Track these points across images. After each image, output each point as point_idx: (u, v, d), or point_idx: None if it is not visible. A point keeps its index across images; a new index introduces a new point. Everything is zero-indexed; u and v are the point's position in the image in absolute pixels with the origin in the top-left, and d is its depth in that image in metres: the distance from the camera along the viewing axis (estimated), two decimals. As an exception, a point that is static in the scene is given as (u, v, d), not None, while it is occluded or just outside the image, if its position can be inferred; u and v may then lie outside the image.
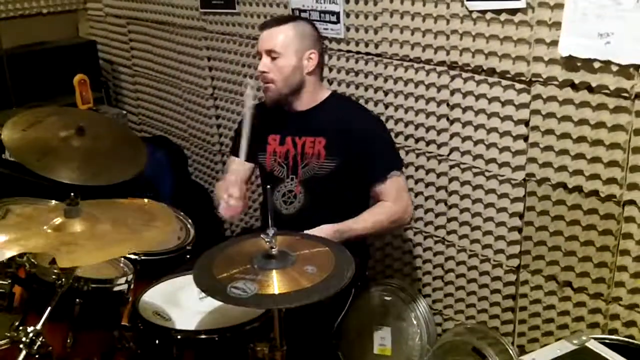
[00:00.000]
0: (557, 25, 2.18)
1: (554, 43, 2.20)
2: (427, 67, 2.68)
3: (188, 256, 2.72)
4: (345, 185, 2.59)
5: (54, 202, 2.65)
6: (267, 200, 2.60)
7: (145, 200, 2.21)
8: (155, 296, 2.28)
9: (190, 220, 2.87)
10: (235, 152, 2.76)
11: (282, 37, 2.53)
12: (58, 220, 1.79)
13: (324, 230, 2.43)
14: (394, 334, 2.97)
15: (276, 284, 1.77)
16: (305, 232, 2.41)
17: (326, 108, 2.65)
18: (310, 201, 2.61)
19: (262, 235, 1.83)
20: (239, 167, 2.74)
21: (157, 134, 4.57)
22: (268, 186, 1.83)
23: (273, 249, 1.83)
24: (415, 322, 2.95)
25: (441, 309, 2.97)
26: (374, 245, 3.14)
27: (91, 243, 1.72)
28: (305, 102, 2.64)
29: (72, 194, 1.79)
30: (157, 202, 2.15)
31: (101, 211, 1.89)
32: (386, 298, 3.02)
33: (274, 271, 1.81)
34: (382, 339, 2.98)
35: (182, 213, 2.93)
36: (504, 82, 2.41)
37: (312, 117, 2.64)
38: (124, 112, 4.49)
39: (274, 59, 2.53)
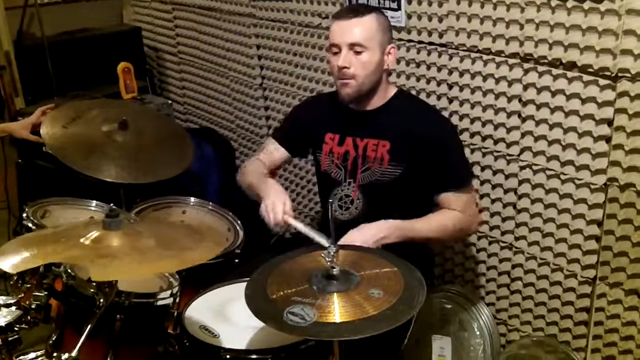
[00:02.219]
0: (650, 14, 1.96)
1: (647, 35, 1.97)
2: (497, 59, 2.45)
3: (237, 260, 2.57)
4: (408, 193, 2.39)
5: (94, 202, 2.51)
6: (327, 211, 2.45)
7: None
8: (202, 308, 2.11)
9: (239, 222, 2.70)
10: (276, 136, 2.68)
11: (367, 29, 2.30)
12: (96, 233, 1.62)
13: (381, 226, 2.25)
14: (455, 344, 2.80)
15: (337, 310, 1.57)
16: (361, 226, 2.24)
17: (392, 108, 2.43)
18: (369, 208, 2.42)
19: (322, 254, 1.64)
20: (274, 151, 2.64)
21: (203, 124, 4.41)
22: (330, 200, 1.63)
23: (334, 269, 1.64)
24: (478, 333, 2.77)
25: (506, 318, 2.77)
26: (434, 249, 2.95)
27: (130, 257, 1.54)
28: (375, 101, 2.43)
29: (111, 204, 1.61)
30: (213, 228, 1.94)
31: (146, 227, 1.71)
32: (447, 305, 2.84)
33: (335, 295, 1.61)
34: (441, 349, 2.80)
35: (230, 213, 2.76)
36: (586, 77, 2.18)
37: (376, 117, 2.43)
38: (169, 101, 4.33)
39: (357, 53, 2.31)
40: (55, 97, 3.88)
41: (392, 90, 2.47)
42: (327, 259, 1.63)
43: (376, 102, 2.43)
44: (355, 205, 2.45)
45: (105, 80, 4.13)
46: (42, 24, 4.10)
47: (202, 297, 2.18)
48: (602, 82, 2.14)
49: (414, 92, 2.81)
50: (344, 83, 2.34)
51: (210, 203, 2.81)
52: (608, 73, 2.11)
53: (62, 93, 4.00)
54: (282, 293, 1.64)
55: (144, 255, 1.54)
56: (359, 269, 1.71)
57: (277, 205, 2.25)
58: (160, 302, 1.96)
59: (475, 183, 2.53)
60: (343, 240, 2.19)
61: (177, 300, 2.01)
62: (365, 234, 2.21)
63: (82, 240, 1.57)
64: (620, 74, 2.08)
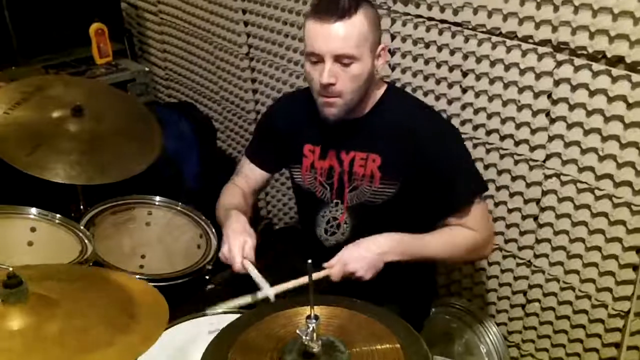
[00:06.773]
0: None
1: None
2: (524, 45, 2.03)
3: (207, 277, 2.20)
4: (405, 216, 2.02)
5: (35, 210, 2.13)
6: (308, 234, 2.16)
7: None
8: (160, 353, 1.73)
9: (213, 230, 2.32)
10: (248, 153, 2.27)
11: (356, 35, 1.84)
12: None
13: (381, 242, 1.89)
14: (459, 369, 2.45)
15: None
16: (358, 241, 1.89)
17: (382, 113, 2.02)
18: (358, 234, 2.01)
19: (298, 332, 1.24)
20: (249, 173, 2.25)
21: (186, 93, 3.98)
22: (309, 261, 1.24)
23: (314, 348, 1.25)
24: (486, 358, 2.41)
25: (519, 341, 2.41)
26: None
27: (26, 356, 1.10)
28: (361, 108, 2.02)
29: (10, 269, 1.18)
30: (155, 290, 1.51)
31: (64, 295, 1.27)
32: (452, 324, 2.48)
33: (316, 384, 1.23)
34: (443, 373, 2.45)
35: (203, 217, 2.39)
36: (635, 77, 1.77)
37: (364, 126, 2.02)
38: (147, 69, 3.88)
39: (345, 65, 1.86)
40: (12, 67, 3.42)
41: (381, 90, 2.05)
42: (304, 336, 1.23)
43: (362, 107, 2.02)
44: (342, 230, 2.08)
45: (77, 42, 3.71)
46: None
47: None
48: (657, 83, 1.74)
49: (420, 77, 2.40)
50: (328, 102, 1.92)
51: (180, 203, 2.44)
52: (664, 73, 1.71)
53: (27, 58, 3.57)
54: (244, 373, 1.26)
55: (45, 350, 1.10)
56: (349, 340, 1.31)
57: (233, 251, 1.88)
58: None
59: (485, 204, 2.11)
60: (338, 256, 1.86)
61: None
62: (364, 251, 1.88)
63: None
64: (680, 76, 1.68)
